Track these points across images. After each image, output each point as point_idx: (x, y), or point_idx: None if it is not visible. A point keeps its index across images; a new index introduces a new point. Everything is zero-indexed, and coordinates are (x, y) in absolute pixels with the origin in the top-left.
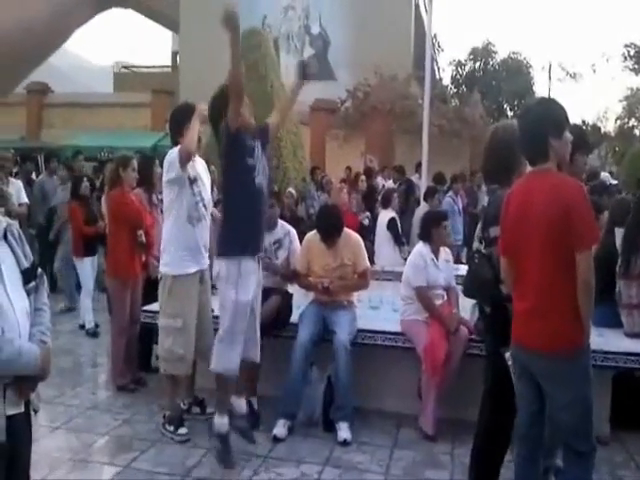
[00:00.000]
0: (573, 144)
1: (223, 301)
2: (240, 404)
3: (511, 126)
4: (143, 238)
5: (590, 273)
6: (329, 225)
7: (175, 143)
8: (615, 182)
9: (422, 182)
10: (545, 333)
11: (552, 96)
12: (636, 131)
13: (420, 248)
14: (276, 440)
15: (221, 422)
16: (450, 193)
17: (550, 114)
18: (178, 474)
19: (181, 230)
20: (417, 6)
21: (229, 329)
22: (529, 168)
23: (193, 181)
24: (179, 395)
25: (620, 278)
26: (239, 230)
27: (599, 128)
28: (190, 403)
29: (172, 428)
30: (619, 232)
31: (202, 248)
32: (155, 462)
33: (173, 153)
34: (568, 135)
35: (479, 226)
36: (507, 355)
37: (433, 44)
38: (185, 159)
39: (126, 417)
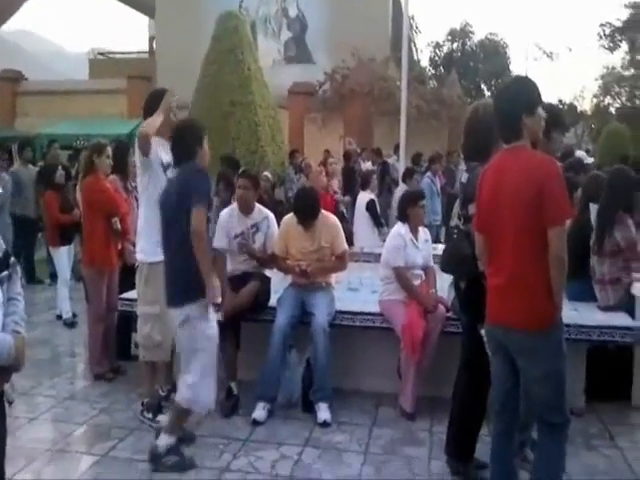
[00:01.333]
0: (549, 122)
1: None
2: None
3: (490, 105)
4: (119, 225)
5: (562, 249)
6: (306, 207)
7: None
8: (591, 160)
9: (400, 163)
10: (518, 309)
11: (529, 76)
12: (612, 109)
13: (399, 228)
14: (255, 423)
15: (169, 441)
16: (428, 173)
17: (522, 92)
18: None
19: (154, 216)
20: None
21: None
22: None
23: (167, 167)
24: (158, 382)
25: (594, 254)
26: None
27: (575, 107)
28: (169, 390)
29: (151, 415)
30: (594, 208)
31: None
32: (134, 450)
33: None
34: (541, 112)
35: (457, 203)
36: (483, 331)
37: (410, 26)
38: (142, 143)
39: (104, 406)
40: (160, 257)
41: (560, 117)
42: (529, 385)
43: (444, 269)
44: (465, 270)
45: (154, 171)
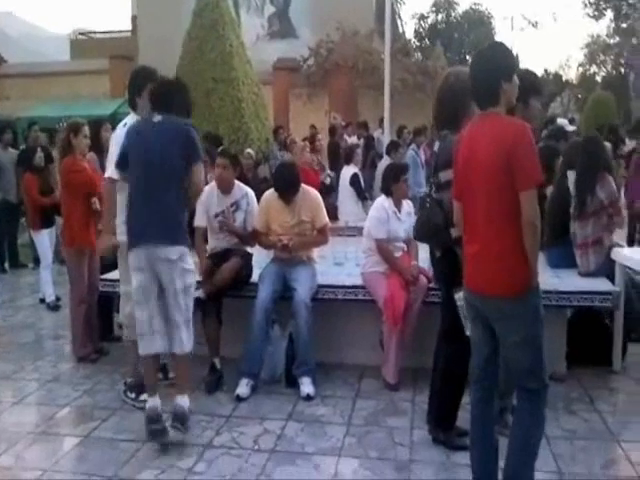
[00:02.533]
0: (527, 89)
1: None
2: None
3: (463, 73)
4: (98, 205)
5: (534, 213)
6: (286, 182)
7: (133, 107)
8: (573, 128)
9: (385, 136)
10: (493, 276)
11: (515, 45)
12: (597, 78)
13: (382, 201)
14: (239, 399)
15: (187, 402)
16: (413, 146)
17: (502, 58)
18: (140, 440)
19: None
20: None
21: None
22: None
23: None
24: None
25: (575, 219)
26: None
27: (561, 76)
28: None
29: (133, 395)
30: (572, 175)
31: None
32: (116, 430)
33: (119, 130)
34: (516, 79)
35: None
36: (457, 296)
37: None
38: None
39: (87, 387)
40: None
41: (537, 84)
42: (507, 351)
43: (418, 238)
44: (438, 238)
45: None
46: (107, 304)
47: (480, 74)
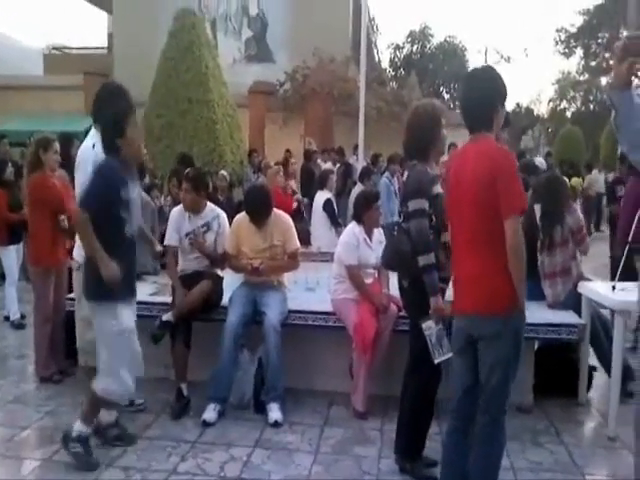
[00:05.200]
0: None
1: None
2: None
3: (431, 104)
4: (66, 223)
5: (518, 239)
6: (257, 205)
7: (96, 122)
8: (545, 167)
9: (359, 164)
10: (480, 295)
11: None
12: (567, 113)
13: (353, 227)
14: (206, 425)
15: (83, 429)
16: (386, 174)
17: (498, 81)
18: (102, 464)
19: None
20: None
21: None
22: (449, 141)
23: None
24: None
25: (543, 251)
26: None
27: (532, 110)
28: None
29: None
30: (538, 208)
31: None
32: None
33: (85, 154)
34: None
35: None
36: (424, 325)
37: (371, 27)
38: None
39: (50, 409)
40: None
41: (506, 116)
42: (484, 376)
43: (385, 266)
44: (405, 267)
45: None
46: (73, 324)
47: (475, 97)
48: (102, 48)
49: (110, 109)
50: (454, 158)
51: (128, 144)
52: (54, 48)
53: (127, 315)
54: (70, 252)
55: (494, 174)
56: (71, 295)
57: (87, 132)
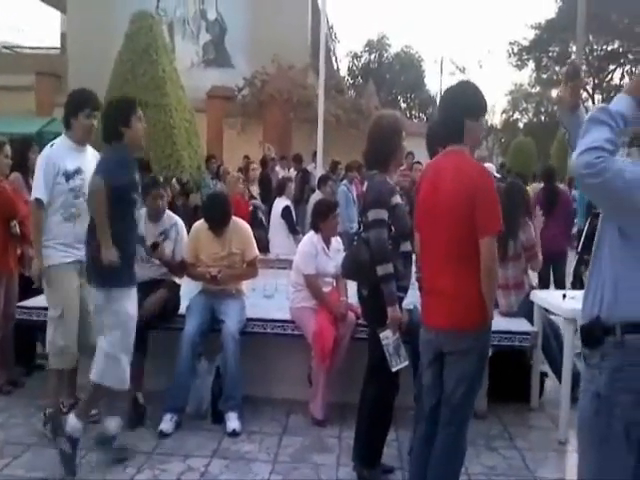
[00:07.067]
0: None
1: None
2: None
3: (392, 115)
4: (17, 229)
5: (492, 259)
6: (216, 214)
7: (67, 126)
8: (497, 175)
9: (317, 171)
10: (451, 310)
11: (442, 89)
12: (520, 124)
13: (311, 236)
14: (162, 435)
15: (76, 426)
16: (345, 181)
17: (469, 96)
18: (54, 478)
19: (58, 226)
20: None
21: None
22: (407, 151)
23: (70, 176)
24: (61, 393)
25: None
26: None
27: (487, 121)
28: (71, 405)
29: (50, 427)
30: None
31: (79, 244)
32: (30, 467)
33: (47, 151)
34: (483, 120)
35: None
36: (382, 335)
37: (330, 35)
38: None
39: None
40: (59, 260)
41: None
42: (446, 385)
43: (345, 275)
44: (364, 276)
45: (57, 183)
46: (27, 332)
47: (446, 110)
48: (55, 48)
49: (104, 126)
50: (428, 170)
51: (132, 134)
52: (4, 47)
53: (134, 300)
54: (21, 259)
55: (473, 193)
56: (22, 303)
57: (39, 134)
